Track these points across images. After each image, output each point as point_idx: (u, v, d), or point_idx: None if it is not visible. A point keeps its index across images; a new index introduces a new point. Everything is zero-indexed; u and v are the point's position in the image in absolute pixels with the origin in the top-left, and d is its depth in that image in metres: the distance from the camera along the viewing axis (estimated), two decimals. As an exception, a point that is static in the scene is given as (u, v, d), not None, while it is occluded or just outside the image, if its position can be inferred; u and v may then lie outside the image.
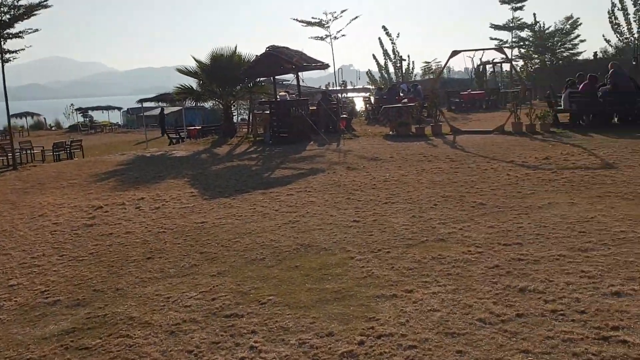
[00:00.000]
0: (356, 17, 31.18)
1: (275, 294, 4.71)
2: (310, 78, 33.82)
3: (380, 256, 5.52)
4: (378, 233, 6.34)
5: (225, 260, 5.77)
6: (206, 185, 10.39)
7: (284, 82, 28.01)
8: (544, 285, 4.45)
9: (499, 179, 8.90)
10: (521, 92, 19.96)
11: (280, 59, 17.23)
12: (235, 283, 5.07)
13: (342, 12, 30.20)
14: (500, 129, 15.11)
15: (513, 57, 35.59)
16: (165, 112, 34.38)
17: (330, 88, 34.70)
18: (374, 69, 40.47)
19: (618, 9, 32.23)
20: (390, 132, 16.63)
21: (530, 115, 14.73)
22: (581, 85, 15.43)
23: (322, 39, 31.15)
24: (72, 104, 50.86)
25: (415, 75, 39.67)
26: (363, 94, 31.66)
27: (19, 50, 16.54)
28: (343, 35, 30.94)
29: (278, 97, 17.93)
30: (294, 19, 31.77)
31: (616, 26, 32.68)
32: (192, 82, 21.63)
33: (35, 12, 16.29)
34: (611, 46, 33.83)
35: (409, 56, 39.23)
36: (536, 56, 37.27)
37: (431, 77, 36.44)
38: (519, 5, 36.63)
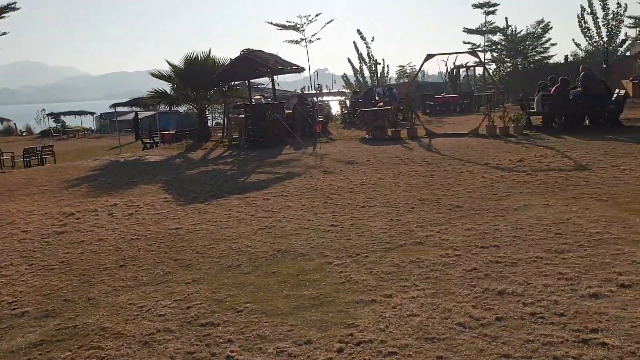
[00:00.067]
0: (331, 21, 31.34)
1: (252, 301, 4.61)
2: (285, 82, 33.70)
3: (358, 261, 5.47)
4: (356, 237, 6.29)
5: (200, 267, 5.65)
6: (180, 191, 10.23)
7: (259, 86, 27.84)
8: (522, 288, 4.44)
9: (475, 182, 8.94)
10: (494, 95, 20.22)
11: (256, 63, 17.14)
12: (211, 290, 4.96)
13: (317, 15, 30.25)
14: (474, 132, 15.23)
15: (486, 61, 36.06)
16: (140, 116, 33.98)
17: (305, 92, 34.64)
18: (350, 72, 40.66)
19: (587, 14, 33.00)
20: (367, 136, 16.65)
21: (504, 118, 14.87)
22: (553, 88, 15.67)
23: (297, 42, 31.11)
24: (43, 109, 49.92)
25: (390, 79, 39.87)
26: (339, 98, 31.67)
27: (-13, 54, 16.19)
28: (318, 38, 30.96)
29: (253, 100, 17.82)
30: (268, 22, 31.75)
31: (586, 30, 33.43)
32: (166, 87, 21.36)
33: (4, 15, 15.94)
34: (581, 50, 34.61)
35: (383, 60, 39.41)
36: (508, 60, 37.83)
37: (406, 80, 36.71)
38: (491, 9, 37.26)
